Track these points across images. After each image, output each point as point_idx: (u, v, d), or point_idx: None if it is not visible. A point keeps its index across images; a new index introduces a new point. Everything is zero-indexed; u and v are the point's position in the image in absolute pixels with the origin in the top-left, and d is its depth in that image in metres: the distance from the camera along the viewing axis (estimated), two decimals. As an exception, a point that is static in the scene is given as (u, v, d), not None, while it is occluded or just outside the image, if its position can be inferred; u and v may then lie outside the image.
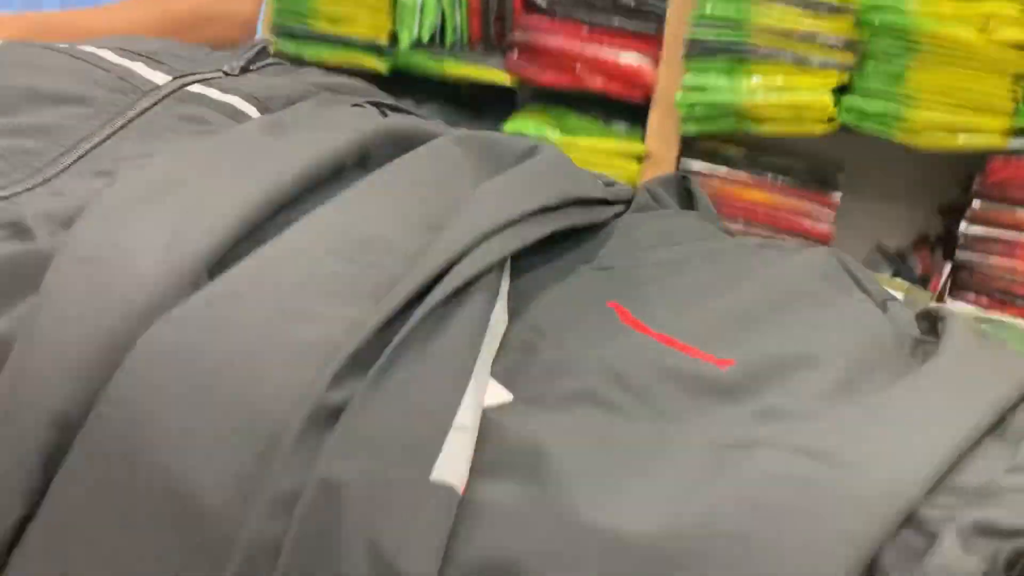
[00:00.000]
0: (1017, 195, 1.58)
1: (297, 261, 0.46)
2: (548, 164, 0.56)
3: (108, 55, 0.64)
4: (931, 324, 0.54)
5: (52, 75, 0.59)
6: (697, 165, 1.73)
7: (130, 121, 0.57)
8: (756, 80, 1.62)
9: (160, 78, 0.62)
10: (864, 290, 0.55)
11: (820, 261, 0.56)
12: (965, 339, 0.50)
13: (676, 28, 1.69)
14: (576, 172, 0.59)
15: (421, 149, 0.57)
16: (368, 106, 0.67)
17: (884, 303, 0.55)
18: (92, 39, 0.70)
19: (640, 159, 1.76)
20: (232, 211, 0.47)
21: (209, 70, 0.67)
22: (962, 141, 1.56)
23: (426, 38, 1.81)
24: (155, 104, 0.59)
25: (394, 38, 1.83)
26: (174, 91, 0.61)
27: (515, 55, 1.78)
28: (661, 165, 1.75)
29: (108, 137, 0.55)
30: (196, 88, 0.63)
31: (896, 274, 1.71)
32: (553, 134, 1.76)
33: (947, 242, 1.71)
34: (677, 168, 1.75)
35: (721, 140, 1.70)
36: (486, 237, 0.46)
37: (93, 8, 1.10)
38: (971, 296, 1.62)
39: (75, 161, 0.53)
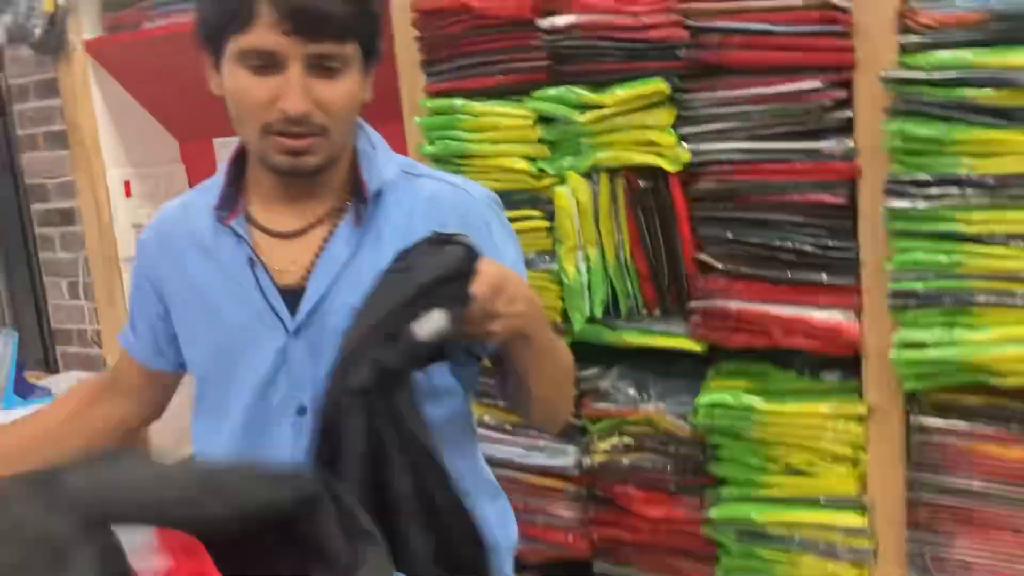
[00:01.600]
0: None
1: None
2: None
3: None
4: None
5: None
6: (931, 421, 1.49)
7: None
8: (988, 332, 1.37)
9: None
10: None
11: None
12: None
13: (874, 278, 1.48)
14: None
15: None
16: None
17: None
18: None
19: (861, 418, 1.55)
20: None
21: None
22: None
23: (599, 314, 1.71)
24: None
25: (567, 315, 1.74)
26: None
27: (698, 319, 1.64)
28: (887, 421, 1.54)
29: None
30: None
31: None
32: (754, 401, 1.60)
33: None
34: (907, 425, 1.52)
35: (956, 390, 1.46)
36: None
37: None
38: None
39: None
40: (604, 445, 1.78)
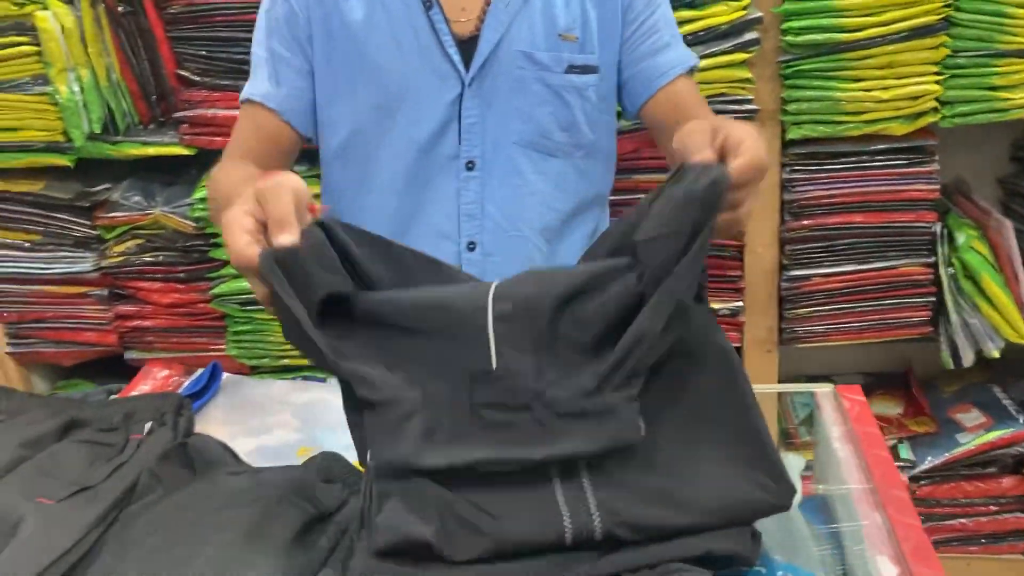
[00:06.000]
0: None
1: None
2: None
3: None
4: None
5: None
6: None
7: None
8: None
9: None
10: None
11: None
12: None
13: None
14: None
15: None
16: None
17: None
18: None
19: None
20: None
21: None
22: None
23: (98, 130, 1.93)
24: None
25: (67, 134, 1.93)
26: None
27: (186, 128, 1.92)
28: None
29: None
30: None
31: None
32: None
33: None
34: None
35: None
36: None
37: None
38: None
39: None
40: (120, 248, 2.03)
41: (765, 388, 1.14)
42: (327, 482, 0.83)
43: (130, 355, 2.13)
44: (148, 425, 0.90)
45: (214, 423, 0.98)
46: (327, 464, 0.86)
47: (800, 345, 1.90)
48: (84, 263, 2.04)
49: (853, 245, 1.80)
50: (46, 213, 2.02)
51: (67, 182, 2.03)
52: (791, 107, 1.70)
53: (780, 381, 2.07)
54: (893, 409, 2.06)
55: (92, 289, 2.07)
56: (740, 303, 1.88)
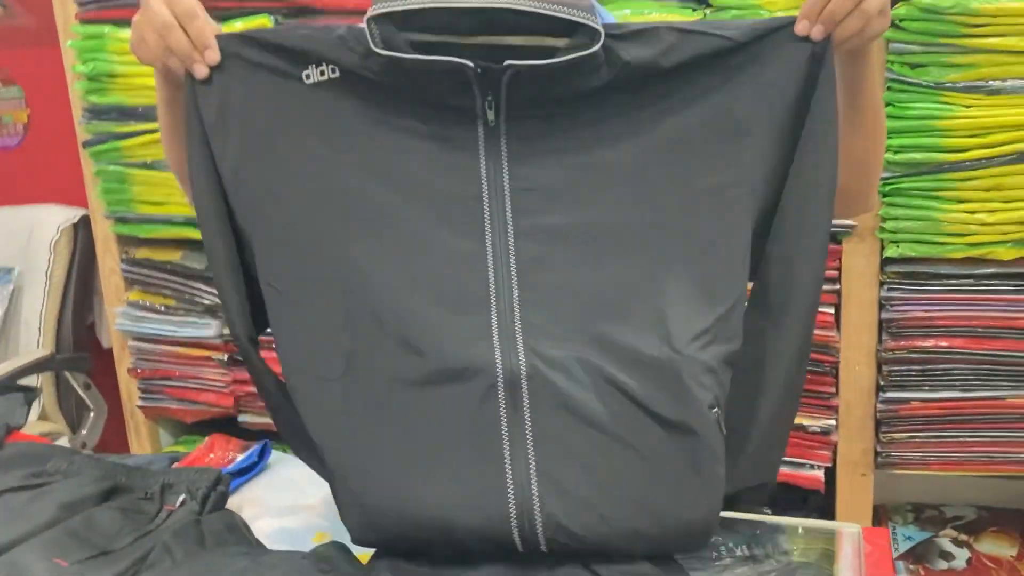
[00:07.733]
0: None
1: None
2: None
3: None
4: None
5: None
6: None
7: None
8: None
9: None
10: None
11: None
12: None
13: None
14: None
15: None
16: None
17: None
18: None
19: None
20: None
21: None
22: None
23: (231, 208, 2.10)
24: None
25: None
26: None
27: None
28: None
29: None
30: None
31: None
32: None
33: None
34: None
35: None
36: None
37: None
38: None
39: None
40: (241, 318, 2.18)
41: (781, 520, 1.09)
42: (323, 572, 0.87)
43: (244, 418, 2.27)
44: (182, 497, 0.97)
45: (249, 500, 1.05)
46: (328, 554, 0.90)
47: (895, 471, 1.80)
48: (209, 329, 2.20)
49: (955, 371, 1.71)
50: (181, 281, 2.21)
51: (202, 254, 2.22)
52: (888, 224, 1.65)
53: (879, 506, 1.97)
54: (1006, 550, 1.91)
55: (215, 353, 2.23)
56: (833, 421, 1.81)
